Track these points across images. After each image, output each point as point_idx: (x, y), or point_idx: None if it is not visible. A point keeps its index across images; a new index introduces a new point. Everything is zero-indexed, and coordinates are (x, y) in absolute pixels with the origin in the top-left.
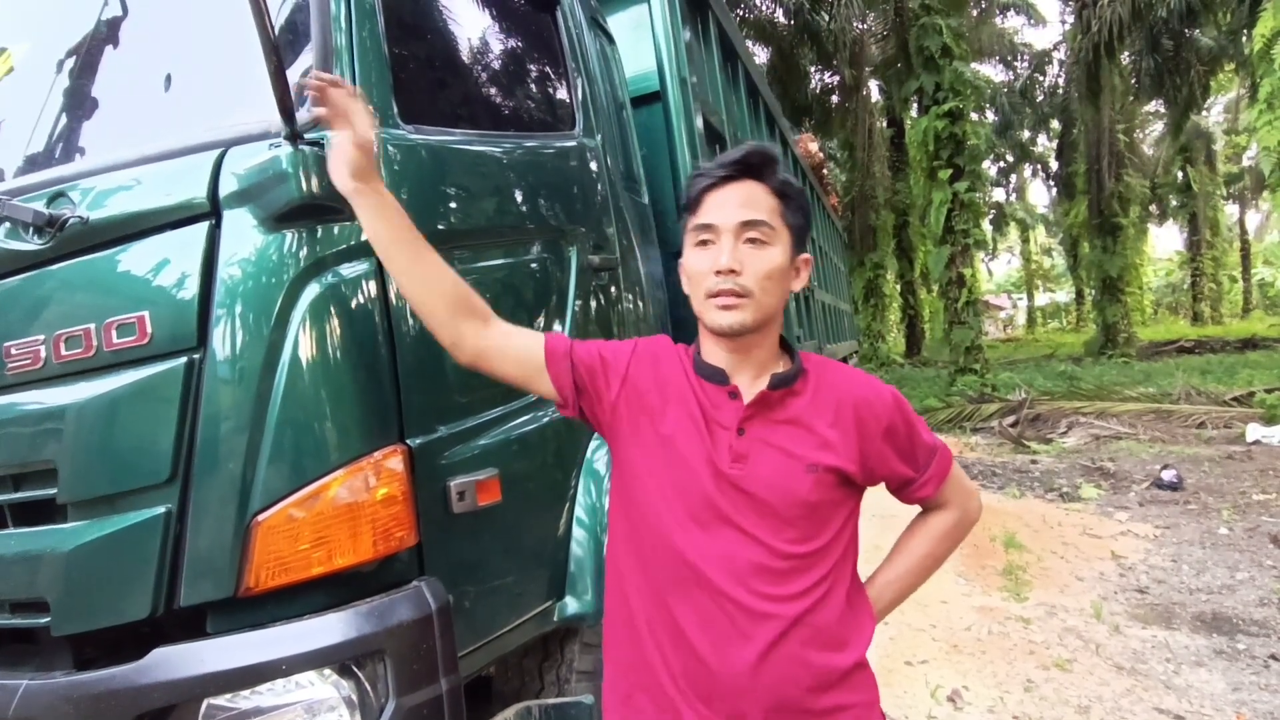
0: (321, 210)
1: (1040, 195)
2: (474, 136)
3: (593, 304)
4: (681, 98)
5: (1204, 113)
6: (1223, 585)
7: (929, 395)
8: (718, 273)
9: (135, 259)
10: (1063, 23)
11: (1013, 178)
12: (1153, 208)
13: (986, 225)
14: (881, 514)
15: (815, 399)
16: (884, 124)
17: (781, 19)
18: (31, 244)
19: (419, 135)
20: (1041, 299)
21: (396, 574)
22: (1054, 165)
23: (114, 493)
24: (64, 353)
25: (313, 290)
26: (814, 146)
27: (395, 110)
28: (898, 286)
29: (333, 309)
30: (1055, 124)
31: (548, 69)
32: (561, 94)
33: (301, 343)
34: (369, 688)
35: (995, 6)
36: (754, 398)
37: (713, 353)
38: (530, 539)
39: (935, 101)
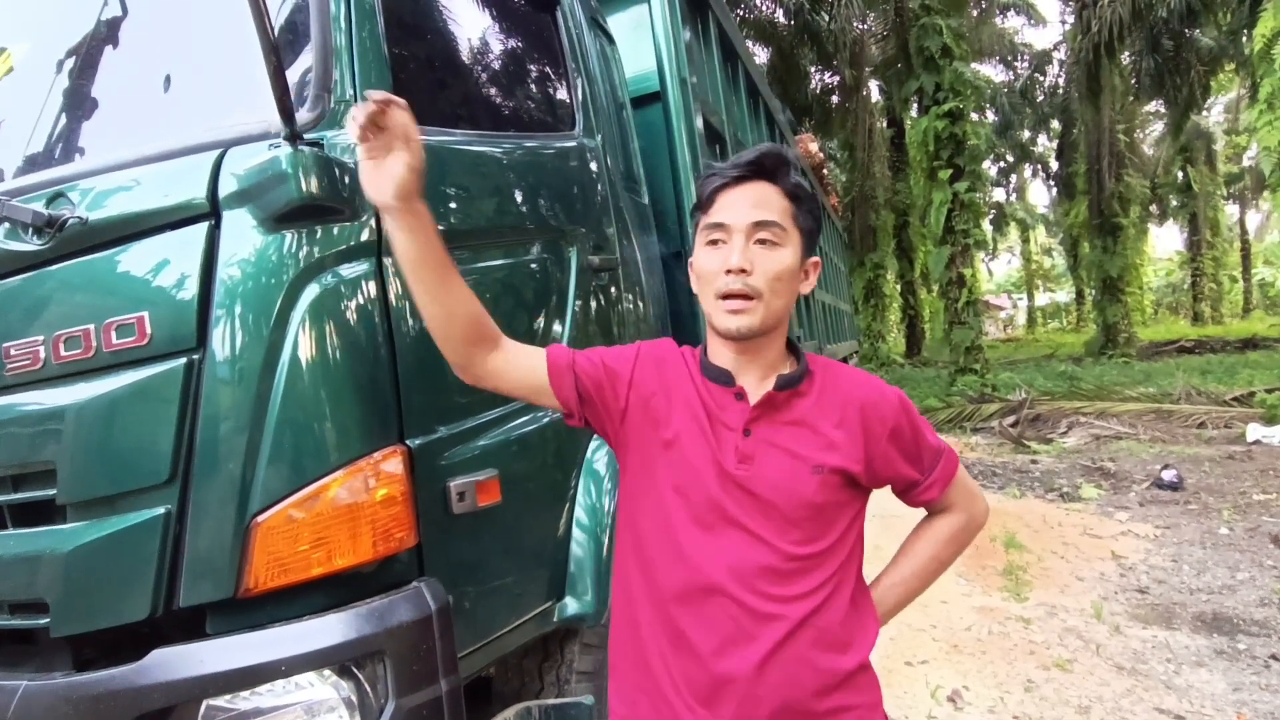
0: (321, 211)
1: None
2: (474, 137)
3: (593, 304)
4: (681, 98)
5: (1204, 113)
6: (1223, 585)
7: (929, 395)
8: (728, 272)
9: (135, 259)
10: (1063, 23)
11: (1013, 178)
12: (1153, 208)
13: (986, 225)
14: (883, 515)
15: (821, 400)
16: (884, 124)
17: (781, 19)
18: (31, 244)
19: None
20: (1042, 299)
21: (396, 575)
22: (1054, 165)
23: (113, 493)
24: (63, 353)
25: (312, 291)
26: (814, 146)
27: None
28: (898, 286)
29: (332, 310)
30: (1055, 124)
31: (548, 69)
32: (561, 94)
33: (301, 343)
34: (369, 688)
35: (995, 6)
36: (760, 399)
37: (719, 354)
38: (530, 539)
39: (935, 101)
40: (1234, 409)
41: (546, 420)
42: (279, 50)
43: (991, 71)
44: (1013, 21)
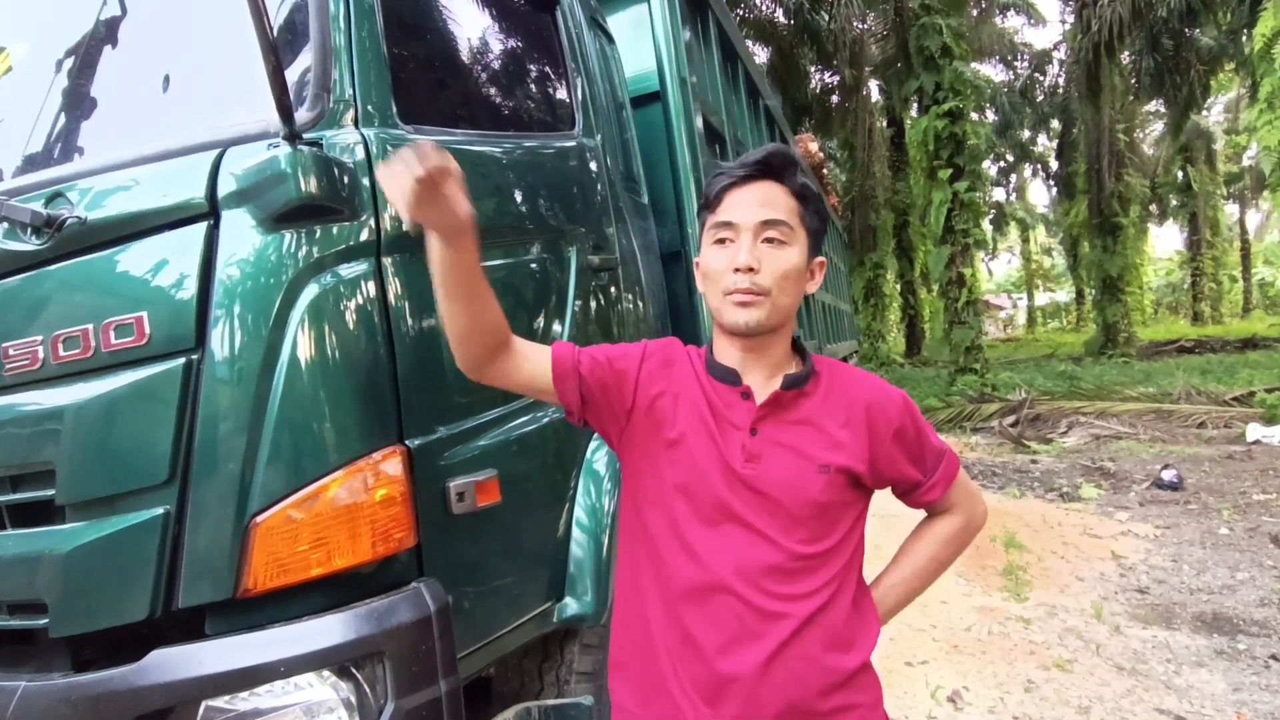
0: (320, 211)
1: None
2: (473, 136)
3: (592, 304)
4: (681, 98)
5: (1204, 112)
6: (1223, 585)
7: (929, 395)
8: (736, 270)
9: (133, 259)
10: (1063, 22)
11: (1013, 177)
12: (1153, 207)
13: (986, 225)
14: (883, 515)
15: (827, 400)
16: (884, 124)
17: (781, 19)
18: (29, 244)
19: (418, 135)
20: (1041, 299)
21: (395, 575)
22: (1054, 165)
23: (112, 494)
24: (62, 353)
25: (311, 291)
26: (814, 146)
27: (394, 110)
28: (898, 286)
29: (331, 310)
30: (1055, 124)
31: (547, 69)
32: (561, 94)
33: (300, 343)
34: (368, 689)
35: (995, 6)
36: (767, 398)
37: (726, 352)
38: (530, 540)
39: (935, 101)
40: (1234, 409)
41: (546, 420)
42: (278, 50)
43: (991, 71)
44: (1013, 21)
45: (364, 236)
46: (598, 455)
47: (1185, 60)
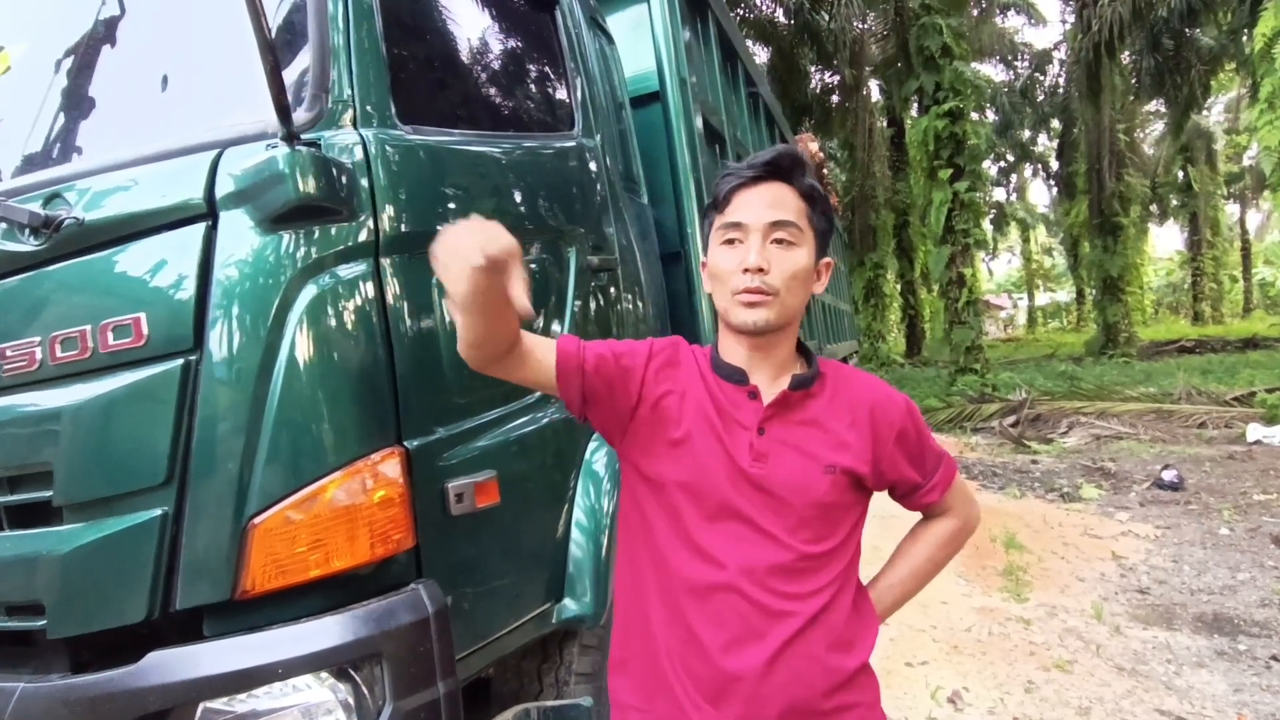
0: (318, 211)
1: (1040, 195)
2: (472, 137)
3: (591, 304)
4: (681, 98)
5: (1204, 112)
6: (1224, 586)
7: (929, 395)
8: (745, 270)
9: (131, 260)
10: (1063, 22)
11: (1013, 177)
12: (1153, 207)
13: (987, 225)
14: (882, 515)
15: (833, 402)
16: (884, 124)
17: (781, 19)
18: (27, 245)
19: (417, 136)
20: (1042, 299)
21: (394, 576)
22: (1054, 165)
23: (110, 495)
24: (60, 354)
25: (310, 292)
26: (814, 146)
27: (393, 110)
28: (898, 286)
29: (330, 310)
30: (1055, 124)
31: (547, 69)
32: (561, 94)
33: (298, 344)
34: (366, 691)
35: (995, 6)
36: (775, 398)
37: (732, 352)
38: (529, 541)
39: (935, 101)
40: (1234, 409)
41: (546, 421)
42: (275, 50)
43: (991, 71)
44: (1013, 21)
45: (362, 237)
46: (597, 456)
47: (1186, 60)
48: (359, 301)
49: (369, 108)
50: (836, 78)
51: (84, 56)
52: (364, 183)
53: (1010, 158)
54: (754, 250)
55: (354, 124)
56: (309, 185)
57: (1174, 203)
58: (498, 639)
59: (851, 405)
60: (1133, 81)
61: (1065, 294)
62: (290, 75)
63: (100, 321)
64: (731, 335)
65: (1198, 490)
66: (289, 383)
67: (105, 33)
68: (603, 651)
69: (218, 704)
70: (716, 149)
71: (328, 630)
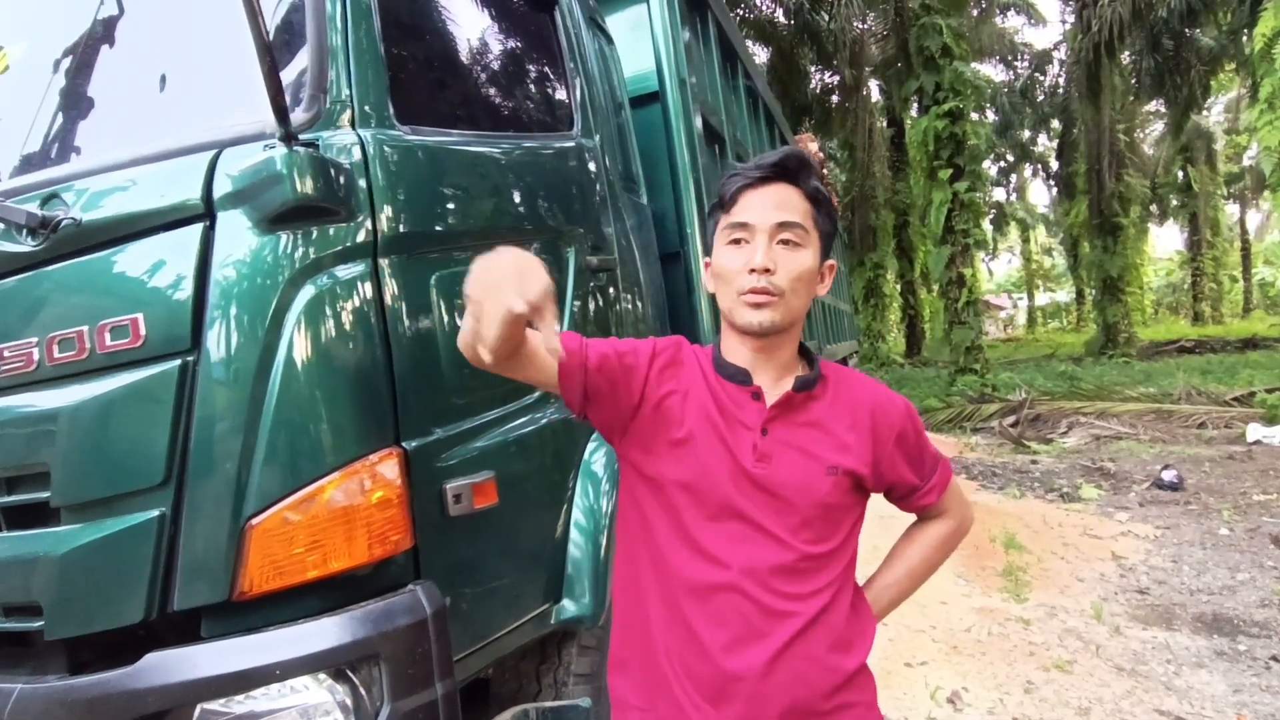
0: (316, 212)
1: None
2: (471, 137)
3: (591, 305)
4: (680, 98)
5: (1204, 112)
6: (1223, 586)
7: (929, 395)
8: (752, 270)
9: (129, 261)
10: (1063, 22)
11: (1013, 177)
12: (1153, 207)
13: (987, 225)
14: (881, 515)
15: (834, 404)
16: (884, 124)
17: (781, 19)
18: (25, 246)
19: (415, 136)
20: (1042, 299)
21: (392, 577)
22: (1054, 165)
23: (108, 496)
24: (57, 355)
25: (308, 292)
26: (814, 146)
27: (391, 111)
28: (898, 286)
29: (328, 311)
30: (1055, 124)
31: (546, 69)
32: (560, 94)
33: (296, 345)
34: (364, 692)
35: (995, 6)
36: (779, 399)
37: (736, 352)
38: (527, 541)
39: (935, 101)
40: (1234, 409)
41: (545, 421)
42: (273, 50)
43: (991, 71)
44: (1013, 21)
45: (360, 238)
46: (596, 456)
47: (1185, 60)
48: (357, 302)
49: (367, 108)
50: (836, 78)
51: (82, 57)
52: (362, 183)
53: (1010, 158)
54: (760, 250)
55: (352, 124)
56: (307, 186)
57: (1174, 203)
58: (496, 640)
59: (853, 407)
60: (1133, 81)
61: (1065, 294)
62: (289, 75)
63: (98, 322)
64: (735, 335)
65: (1197, 490)
66: (287, 383)
67: (103, 33)
68: (601, 652)
69: (215, 705)
70: (716, 149)
71: (325, 631)
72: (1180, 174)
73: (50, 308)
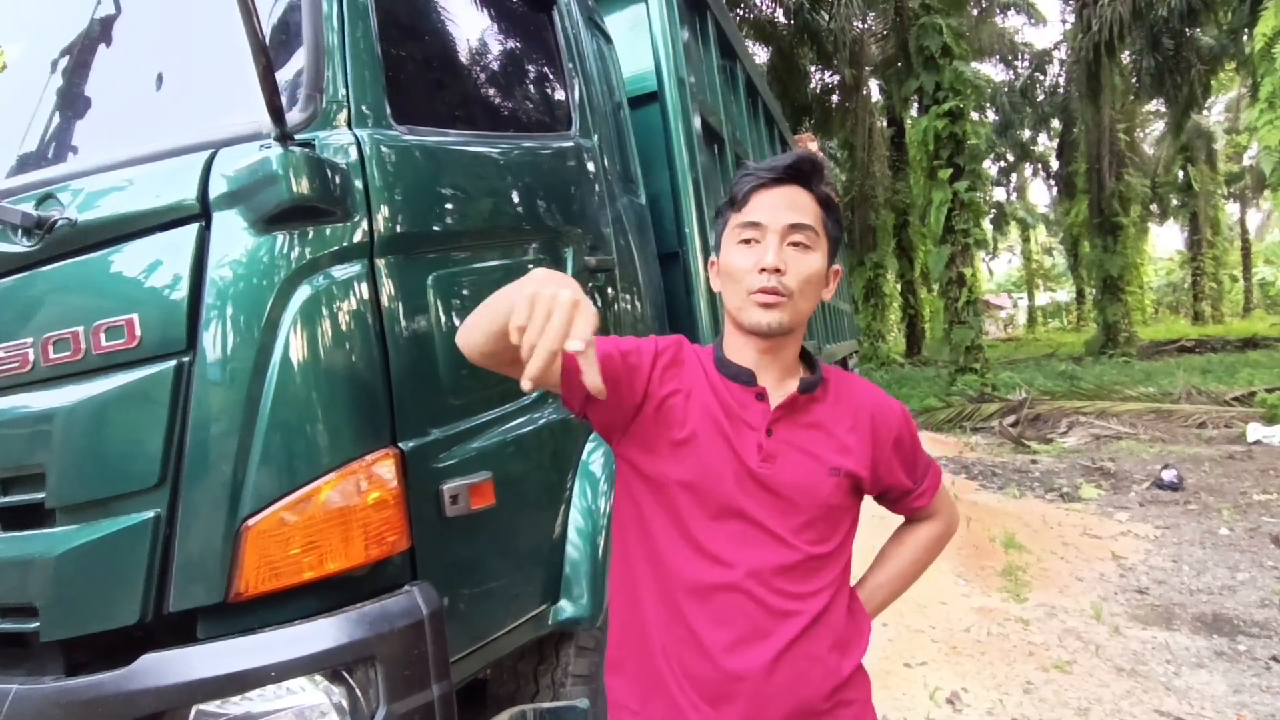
0: (312, 212)
1: (1041, 194)
2: (469, 137)
3: None
4: (679, 98)
5: (1205, 112)
6: (1223, 586)
7: (929, 395)
8: (762, 270)
9: (124, 261)
10: (1063, 22)
11: (1013, 177)
12: (1153, 207)
13: (987, 224)
14: (880, 515)
15: (836, 406)
16: (884, 123)
17: (781, 19)
18: (20, 246)
19: (412, 136)
20: (1042, 298)
21: (389, 578)
22: (1054, 164)
23: (103, 497)
24: (52, 355)
25: (304, 292)
26: (814, 146)
27: (388, 111)
28: (898, 286)
29: (324, 311)
30: (1056, 123)
31: (544, 69)
32: (558, 94)
33: (292, 345)
34: (360, 694)
35: (995, 6)
36: (784, 400)
37: (740, 353)
38: (525, 542)
39: (935, 101)
40: (1234, 409)
41: (543, 422)
42: (268, 50)
43: (991, 71)
44: (1013, 21)
45: (357, 238)
46: (594, 457)
47: (1186, 60)
48: (353, 302)
49: (364, 108)
50: (836, 78)
51: (77, 57)
52: (358, 183)
53: (1010, 158)
54: (772, 250)
55: (349, 124)
56: (302, 186)
57: (1174, 202)
58: (494, 641)
59: (854, 410)
60: (1133, 81)
61: (1065, 294)
62: (285, 75)
63: (93, 323)
64: (741, 335)
65: (1197, 490)
66: (283, 384)
67: (99, 33)
68: (599, 653)
69: (211, 707)
70: (715, 149)
71: (322, 632)
72: (1180, 173)
73: (45, 308)
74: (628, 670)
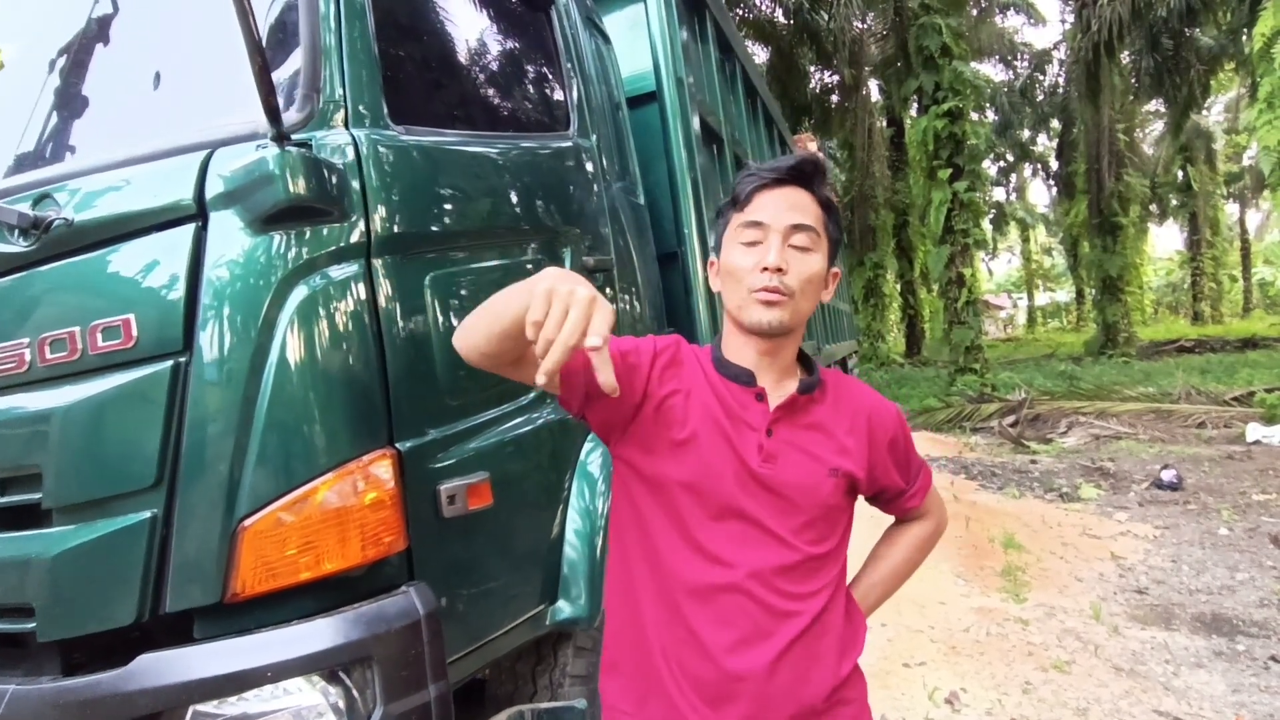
0: (309, 212)
1: (1040, 195)
2: (467, 137)
3: None
4: (678, 98)
5: (1204, 112)
6: (1222, 586)
7: (929, 395)
8: (764, 270)
9: (121, 261)
10: (1063, 22)
11: (1013, 177)
12: (1153, 207)
13: (986, 225)
14: (878, 516)
15: (835, 407)
16: (884, 123)
17: (781, 19)
18: (16, 246)
19: (410, 136)
20: (1042, 298)
21: (386, 579)
22: (1054, 165)
23: (99, 497)
24: (48, 356)
25: (300, 292)
26: (814, 146)
27: (385, 111)
28: (898, 286)
29: (321, 311)
30: (1055, 123)
31: (542, 69)
32: (556, 94)
33: (289, 345)
34: (357, 694)
35: (995, 6)
36: (784, 400)
37: (740, 353)
38: (523, 542)
39: (935, 101)
40: (1234, 409)
41: (541, 422)
42: (264, 50)
43: (991, 71)
44: (1012, 21)
45: (354, 238)
46: (592, 457)
47: (1185, 60)
48: (350, 302)
49: (361, 108)
50: (836, 78)
51: (74, 56)
52: (355, 183)
53: (1010, 158)
54: (774, 250)
55: (346, 124)
56: (299, 186)
57: (1174, 202)
58: (491, 641)
59: (852, 411)
60: (1132, 81)
61: (1065, 294)
62: (282, 75)
63: (90, 323)
64: (741, 335)
65: (1197, 490)
66: (279, 384)
67: (95, 33)
68: (597, 653)
69: (208, 707)
70: (713, 149)
71: (319, 633)
72: (1180, 173)
73: (42, 308)
74: (624, 672)
